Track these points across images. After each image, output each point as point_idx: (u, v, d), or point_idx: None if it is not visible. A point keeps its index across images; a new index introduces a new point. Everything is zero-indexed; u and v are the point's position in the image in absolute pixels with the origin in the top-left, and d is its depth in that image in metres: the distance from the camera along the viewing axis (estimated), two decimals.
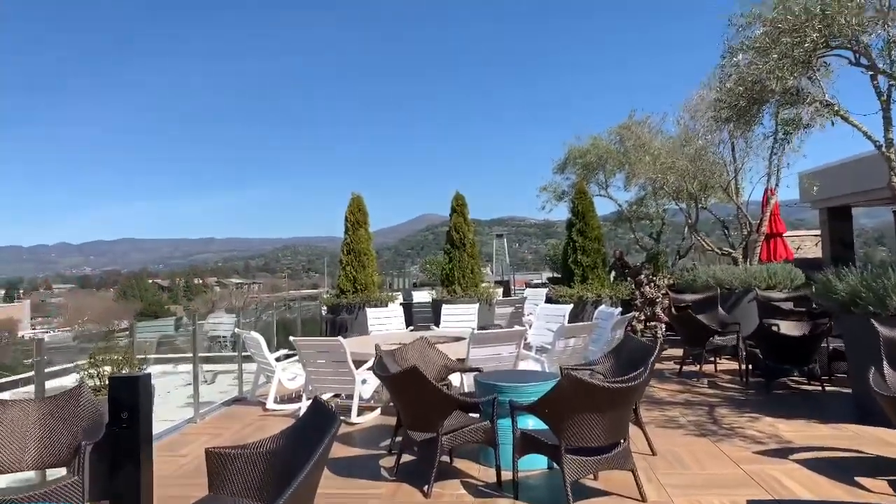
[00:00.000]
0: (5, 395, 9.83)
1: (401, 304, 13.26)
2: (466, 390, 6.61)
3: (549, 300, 12.90)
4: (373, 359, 5.87)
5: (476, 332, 6.97)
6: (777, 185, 11.95)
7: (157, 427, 6.76)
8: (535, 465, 4.84)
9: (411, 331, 10.18)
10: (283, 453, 3.25)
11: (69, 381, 6.20)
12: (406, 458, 5.14)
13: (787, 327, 7.90)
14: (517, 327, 9.58)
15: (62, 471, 4.09)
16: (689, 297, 10.56)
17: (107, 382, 4.42)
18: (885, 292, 5.76)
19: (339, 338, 6.96)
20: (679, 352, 9.33)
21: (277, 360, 8.26)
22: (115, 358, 5.08)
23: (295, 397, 7.81)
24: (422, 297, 15.57)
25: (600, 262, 13.38)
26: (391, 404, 6.85)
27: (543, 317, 9.76)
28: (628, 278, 14.05)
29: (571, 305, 10.01)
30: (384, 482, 4.82)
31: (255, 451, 3.30)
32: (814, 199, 15.67)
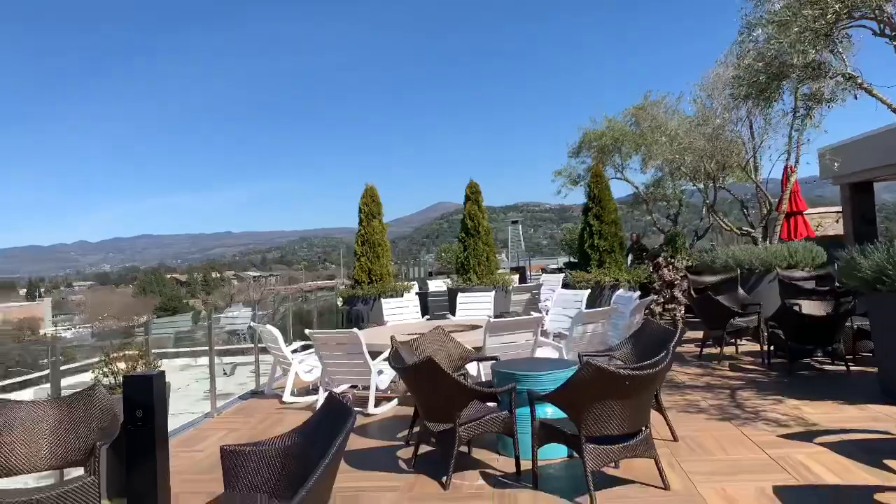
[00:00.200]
0: (29, 393, 9.96)
1: (416, 293, 13.24)
2: (484, 379, 6.56)
3: (565, 286, 12.80)
4: (389, 350, 5.83)
5: (492, 320, 6.91)
6: (797, 162, 11.73)
7: (176, 421, 6.79)
8: (554, 454, 4.78)
9: (427, 320, 10.15)
10: (297, 451, 3.21)
11: (89, 377, 6.22)
12: (424, 448, 5.10)
13: (810, 307, 7.75)
14: (534, 314, 9.53)
15: (80, 470, 4.10)
16: (708, 278, 10.41)
17: (121, 381, 4.41)
18: None
19: (355, 329, 6.93)
20: (699, 334, 9.21)
21: (294, 352, 8.26)
22: (131, 354, 5.06)
23: (312, 389, 7.81)
24: (437, 286, 15.53)
25: (617, 246, 13.25)
26: (408, 394, 6.83)
27: (560, 303, 9.67)
28: (646, 261, 13.91)
29: (589, 290, 9.92)
30: (402, 474, 4.78)
31: (270, 448, 3.27)
32: (834, 175, 15.39)
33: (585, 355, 5.48)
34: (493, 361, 5.69)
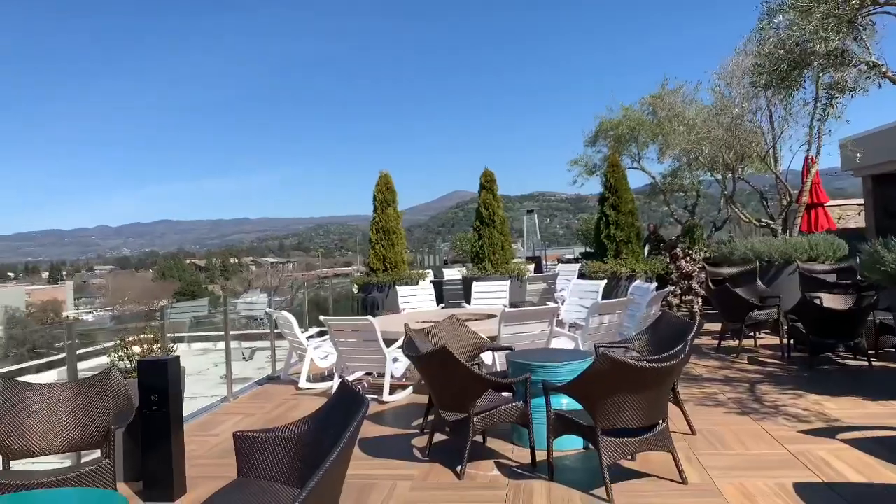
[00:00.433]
0: (53, 374, 10.05)
1: (431, 281, 13.19)
2: (499, 369, 6.50)
3: (582, 276, 12.70)
4: (403, 337, 5.78)
5: (507, 309, 6.85)
6: (818, 153, 11.50)
7: (193, 405, 6.80)
8: (570, 445, 4.72)
9: (442, 308, 10.11)
10: (310, 438, 3.17)
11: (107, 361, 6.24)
12: (438, 437, 5.05)
13: (831, 300, 7.59)
14: (549, 304, 9.45)
15: (97, 453, 4.09)
16: (726, 270, 10.26)
17: (136, 365, 4.40)
18: None
19: (369, 317, 6.90)
20: (716, 326, 9.09)
21: (310, 338, 8.26)
22: (146, 338, 5.05)
23: (327, 376, 7.80)
24: (452, 274, 15.47)
25: (634, 237, 13.11)
26: (423, 383, 6.78)
27: (576, 293, 9.59)
28: (663, 252, 13.76)
29: (605, 281, 9.82)
30: (416, 462, 4.74)
31: (283, 434, 3.24)
32: (856, 167, 15.09)
33: (601, 346, 5.42)
34: (508, 351, 5.62)
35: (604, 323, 6.98)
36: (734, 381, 6.81)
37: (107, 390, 4.01)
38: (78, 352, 5.33)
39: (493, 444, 5.05)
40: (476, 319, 7.70)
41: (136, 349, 4.86)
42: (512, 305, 9.37)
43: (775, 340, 8.82)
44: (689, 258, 11.05)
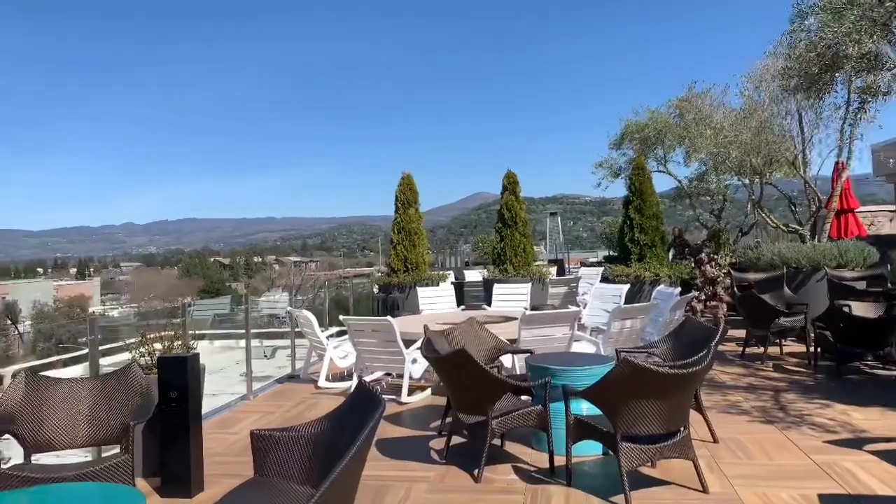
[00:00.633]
0: (79, 369, 10.21)
1: (452, 283, 13.18)
2: (518, 372, 6.46)
3: (604, 280, 12.59)
4: (422, 338, 5.76)
5: (528, 312, 6.81)
6: (849, 158, 11.27)
7: (214, 402, 6.85)
8: (589, 450, 4.66)
9: (462, 310, 10.09)
10: (326, 438, 3.17)
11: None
12: (456, 440, 5.02)
13: (861, 308, 7.43)
14: (571, 308, 9.37)
15: (117, 448, 4.13)
16: (752, 276, 10.10)
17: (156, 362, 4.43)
18: None
19: (388, 317, 6.90)
20: (741, 333, 8.94)
21: (330, 337, 8.28)
22: (167, 335, 5.09)
23: (347, 375, 7.82)
24: (473, 276, 15.45)
25: (658, 241, 12.98)
26: (442, 384, 6.76)
27: (599, 297, 9.52)
28: (688, 257, 13.59)
29: (628, 285, 9.72)
30: (434, 465, 4.72)
31: (300, 433, 3.24)
32: (889, 172, 14.80)
33: (623, 351, 5.35)
34: (528, 354, 5.58)
35: (626, 327, 6.90)
36: (759, 388, 6.69)
37: (127, 386, 4.05)
38: (102, 347, 5.41)
39: (512, 447, 5.01)
40: (496, 322, 7.66)
41: (157, 346, 4.90)
42: (533, 308, 9.32)
43: (802, 348, 8.66)
44: (714, 263, 10.91)
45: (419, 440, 5.33)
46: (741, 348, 8.64)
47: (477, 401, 4.53)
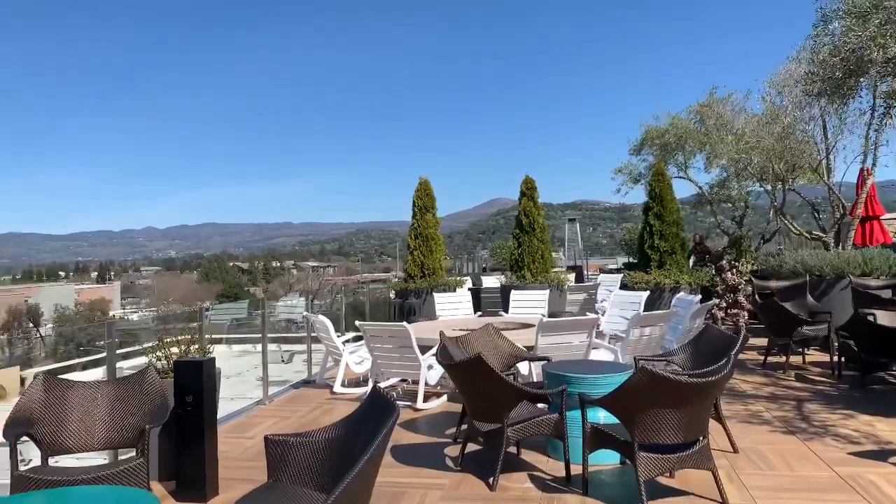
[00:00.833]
0: (99, 372, 10.32)
1: (469, 289, 13.17)
2: (535, 379, 6.43)
3: (624, 287, 12.52)
4: (438, 345, 5.76)
5: (546, 319, 6.77)
6: (874, 164, 11.11)
7: (231, 407, 6.89)
8: (606, 459, 4.62)
9: (479, 316, 10.06)
10: (341, 443, 3.17)
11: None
12: (471, 447, 5.00)
13: (886, 317, 7.28)
14: (589, 315, 9.33)
15: (133, 451, 4.16)
16: (774, 283, 9.97)
17: (173, 366, 4.47)
18: None
19: (404, 323, 6.90)
20: (763, 342, 8.83)
21: (346, 343, 8.31)
22: (183, 339, 5.13)
23: (363, 381, 7.83)
24: (491, 282, 15.42)
25: (679, 247, 12.88)
26: (457, 391, 6.75)
27: (618, 304, 9.45)
28: (709, 264, 13.47)
29: (648, 292, 9.64)
30: (448, 472, 4.70)
31: (313, 439, 3.24)
32: None
33: (641, 359, 5.30)
34: (545, 362, 5.54)
35: (645, 335, 6.85)
36: (780, 398, 6.59)
37: (143, 390, 4.08)
38: (120, 351, 5.48)
39: (527, 455, 4.98)
40: (513, 328, 7.64)
41: (174, 350, 4.93)
42: (551, 315, 9.27)
43: (825, 357, 8.53)
44: (735, 270, 10.78)
45: (434, 447, 5.31)
46: (762, 357, 8.53)
47: (492, 408, 4.51)
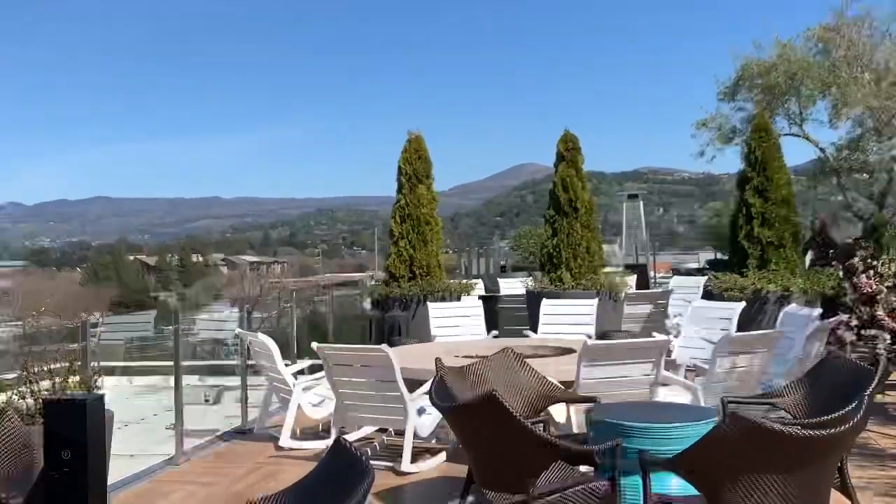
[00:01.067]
0: None
1: (481, 297, 13.18)
2: (575, 430, 6.45)
3: (708, 295, 12.52)
4: (433, 378, 5.77)
5: (592, 341, 6.78)
6: None
7: (127, 468, 6.91)
8: None
9: (494, 338, 10.07)
10: None
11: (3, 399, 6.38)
12: None
13: None
14: (657, 336, 9.34)
15: None
16: None
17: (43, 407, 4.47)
18: None
19: (384, 346, 6.89)
20: None
21: (299, 375, 8.32)
22: (62, 367, 5.14)
23: (322, 431, 7.86)
24: (512, 287, 15.45)
25: (789, 238, 12.89)
26: (461, 446, 6.76)
27: (698, 320, 9.47)
28: (833, 263, 13.47)
29: (743, 303, 9.66)
30: None
31: None
32: None
33: (732, 402, 5.32)
34: (591, 405, 5.56)
35: (738, 367, 6.87)
36: None
37: None
38: None
39: None
40: (544, 355, 7.65)
41: (45, 383, 4.94)
42: (600, 336, 9.27)
43: None
44: (873, 272, 10.78)
45: None
46: None
47: (513, 472, 4.52)
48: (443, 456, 6.99)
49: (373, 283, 14.86)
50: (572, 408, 6.46)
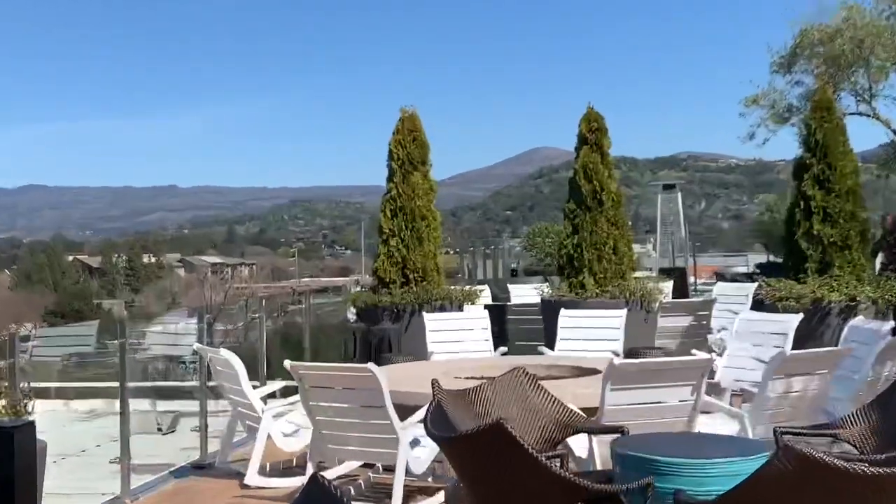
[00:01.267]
0: None
1: (486, 306, 13.17)
2: (599, 466, 6.45)
3: (759, 305, 12.52)
4: (429, 404, 5.77)
5: (620, 360, 6.77)
6: None
7: None
8: None
9: (503, 355, 10.08)
10: None
11: None
12: None
13: None
14: (697, 354, 9.33)
15: None
16: None
17: None
18: None
19: (370, 365, 6.88)
20: None
21: (269, 399, 8.32)
22: None
23: (297, 466, 7.86)
24: (525, 294, 15.44)
25: (856, 238, 12.89)
26: (461, 484, 6.76)
27: (747, 335, 9.48)
28: None
29: (801, 316, 9.66)
30: None
31: None
32: None
33: (786, 432, 5.31)
34: (617, 436, 5.56)
35: (794, 391, 6.87)
36: None
37: None
38: None
39: None
40: (562, 377, 7.65)
41: None
42: (629, 353, 9.26)
43: None
44: None
45: None
46: None
47: None
48: (440, 497, 7.00)
49: (358, 289, 14.84)
50: (595, 439, 6.45)
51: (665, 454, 4.91)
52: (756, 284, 14.27)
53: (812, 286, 12.42)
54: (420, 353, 10.52)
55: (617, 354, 9.01)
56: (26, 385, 6.37)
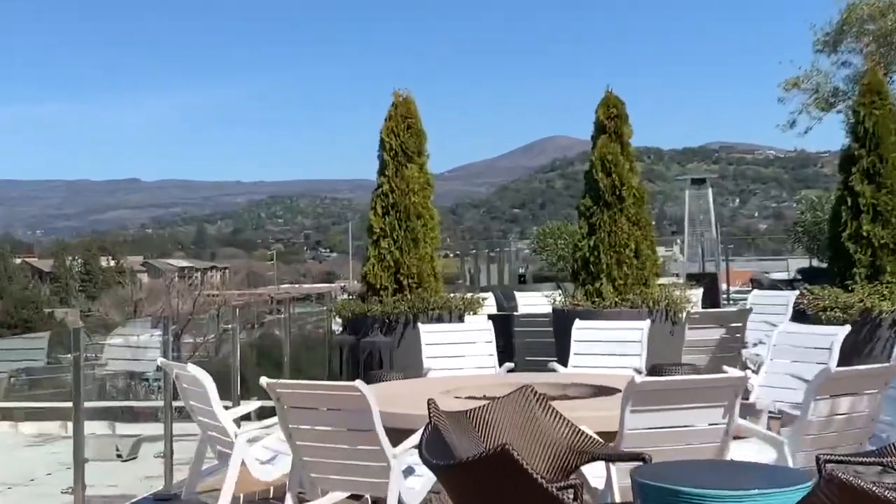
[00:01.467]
0: None
1: (490, 316, 13.18)
2: (618, 499, 6.46)
3: (800, 316, 12.52)
4: (425, 426, 5.78)
5: (642, 378, 6.77)
6: None
7: None
8: None
9: (509, 371, 10.08)
10: None
11: None
12: None
13: None
14: (730, 371, 9.34)
15: None
16: None
17: None
18: None
19: (359, 382, 6.89)
20: None
21: (242, 421, 8.33)
22: None
23: (274, 498, 7.86)
24: (534, 303, 15.46)
25: None
26: None
27: (786, 350, 9.49)
28: None
29: (848, 328, 9.66)
30: None
31: None
32: None
33: (830, 461, 5.31)
34: (639, 464, 5.56)
35: (840, 413, 6.86)
36: None
37: None
38: None
39: None
40: (576, 397, 7.65)
41: None
42: (652, 370, 9.27)
43: None
44: None
45: None
46: None
47: None
48: None
49: (345, 297, 14.86)
50: (613, 468, 6.46)
51: (693, 485, 4.91)
52: (797, 292, 14.26)
53: (860, 294, 12.42)
54: (415, 370, 10.52)
55: (639, 372, 9.01)
56: None
